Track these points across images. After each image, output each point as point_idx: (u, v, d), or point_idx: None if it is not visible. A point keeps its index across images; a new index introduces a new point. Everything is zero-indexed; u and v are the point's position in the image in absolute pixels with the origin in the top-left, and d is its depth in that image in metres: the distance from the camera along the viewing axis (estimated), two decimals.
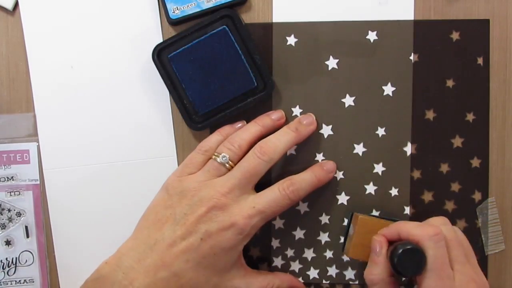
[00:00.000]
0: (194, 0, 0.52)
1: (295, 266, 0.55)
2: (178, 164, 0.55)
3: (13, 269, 0.55)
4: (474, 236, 0.54)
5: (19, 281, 0.55)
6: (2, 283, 0.55)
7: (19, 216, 0.55)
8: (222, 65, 0.51)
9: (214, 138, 0.52)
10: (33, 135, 0.55)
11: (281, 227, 0.55)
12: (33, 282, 0.55)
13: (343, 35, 0.54)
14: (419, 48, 0.53)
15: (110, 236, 0.54)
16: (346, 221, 0.55)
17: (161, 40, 0.53)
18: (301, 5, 0.54)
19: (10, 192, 0.55)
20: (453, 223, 0.54)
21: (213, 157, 0.50)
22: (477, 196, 0.54)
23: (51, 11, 0.54)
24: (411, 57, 0.54)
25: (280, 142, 0.50)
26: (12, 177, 0.55)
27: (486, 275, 0.54)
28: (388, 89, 0.54)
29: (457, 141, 0.54)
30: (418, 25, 0.53)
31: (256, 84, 0.52)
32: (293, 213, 0.55)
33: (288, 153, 0.54)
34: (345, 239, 0.54)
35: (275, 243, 0.55)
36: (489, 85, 0.54)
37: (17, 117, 0.55)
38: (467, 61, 0.53)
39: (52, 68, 0.54)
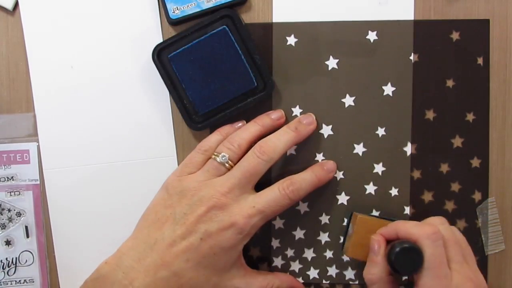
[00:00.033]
0: (194, 0, 0.52)
1: (295, 266, 0.55)
2: (178, 164, 0.55)
3: (13, 269, 0.55)
4: (474, 236, 0.54)
5: (19, 281, 0.55)
6: (2, 283, 0.55)
7: (19, 216, 0.55)
8: (222, 65, 0.51)
9: (213, 137, 0.52)
10: (33, 135, 0.55)
11: (281, 227, 0.55)
12: (33, 282, 0.55)
13: (343, 35, 0.54)
14: (419, 48, 0.53)
15: (110, 236, 0.54)
16: (346, 221, 0.55)
17: (161, 40, 0.53)
18: (301, 5, 0.54)
19: (10, 192, 0.55)
20: (453, 223, 0.54)
21: (213, 156, 0.51)
22: (477, 196, 0.54)
23: (51, 11, 0.54)
24: (411, 57, 0.54)
25: (280, 142, 0.50)
26: (12, 177, 0.55)
27: (486, 275, 0.54)
28: (388, 89, 0.54)
29: (457, 141, 0.54)
30: (418, 25, 0.53)
31: (256, 84, 0.52)
32: (293, 213, 0.55)
33: (288, 153, 0.54)
34: (344, 239, 0.54)
35: (275, 243, 0.55)
36: (489, 85, 0.54)
37: (17, 117, 0.55)
38: (467, 61, 0.53)
39: (52, 68, 0.54)
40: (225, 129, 0.53)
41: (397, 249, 0.46)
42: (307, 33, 0.54)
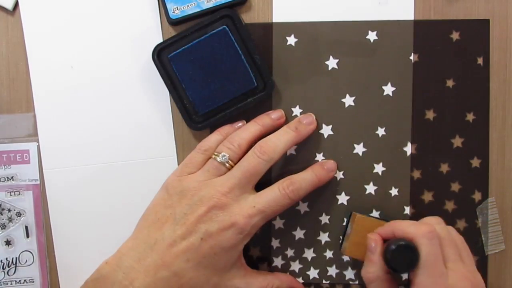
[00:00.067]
0: (194, 0, 0.52)
1: (295, 266, 0.55)
2: (178, 164, 0.55)
3: (13, 269, 0.55)
4: (474, 236, 0.54)
5: (19, 281, 0.55)
6: (2, 283, 0.55)
7: (19, 216, 0.55)
8: (222, 65, 0.51)
9: (213, 137, 0.52)
10: (33, 135, 0.55)
11: (281, 227, 0.55)
12: (33, 282, 0.55)
13: (343, 35, 0.54)
14: (419, 48, 0.53)
15: (110, 236, 0.54)
16: (345, 221, 0.55)
17: (161, 40, 0.53)
18: (301, 5, 0.54)
19: (10, 192, 0.55)
20: (453, 223, 0.54)
21: (213, 156, 0.50)
22: (477, 196, 0.54)
23: (51, 11, 0.54)
24: (411, 57, 0.54)
25: (280, 142, 0.51)
26: (12, 177, 0.55)
27: (486, 275, 0.54)
28: (388, 89, 0.54)
29: (457, 141, 0.54)
30: (418, 25, 0.53)
31: (256, 84, 0.52)
32: (293, 213, 0.55)
33: (288, 153, 0.54)
34: (343, 238, 0.54)
35: (275, 243, 0.55)
36: (489, 85, 0.54)
37: (17, 117, 0.55)
38: (467, 61, 0.53)
39: (52, 68, 0.54)
40: (225, 129, 0.53)
41: (393, 247, 0.46)
42: (307, 33, 0.54)
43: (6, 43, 0.54)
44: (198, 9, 0.52)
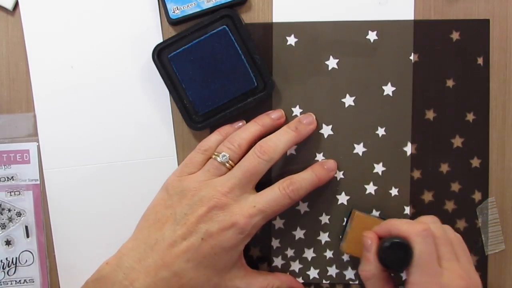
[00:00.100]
0: (194, 0, 0.52)
1: (295, 266, 0.55)
2: (178, 164, 0.55)
3: (13, 269, 0.55)
4: (474, 236, 0.54)
5: (19, 281, 0.55)
6: (2, 283, 0.55)
7: (19, 216, 0.55)
8: (222, 65, 0.51)
9: (213, 137, 0.52)
10: (33, 135, 0.55)
11: (281, 227, 0.55)
12: (33, 282, 0.55)
13: (343, 35, 0.54)
14: (419, 48, 0.53)
15: (110, 236, 0.54)
16: (345, 219, 0.55)
17: (161, 40, 0.53)
18: (301, 5, 0.54)
19: (10, 192, 0.55)
20: (453, 223, 0.54)
21: (213, 156, 0.50)
22: (477, 196, 0.54)
23: (51, 11, 0.54)
24: (411, 57, 0.54)
25: (280, 142, 0.50)
26: (12, 177, 0.55)
27: (486, 275, 0.54)
28: (388, 89, 0.54)
29: (457, 141, 0.54)
30: (418, 25, 0.53)
31: (256, 84, 0.52)
32: (293, 213, 0.55)
33: (288, 153, 0.54)
34: (342, 236, 0.54)
35: (275, 243, 0.55)
36: (489, 85, 0.54)
37: (17, 117, 0.55)
38: (467, 61, 0.53)
39: (52, 68, 0.54)
40: (225, 129, 0.53)
41: (386, 244, 0.47)
42: (307, 33, 0.54)
43: (6, 43, 0.54)
44: (198, 9, 0.52)
